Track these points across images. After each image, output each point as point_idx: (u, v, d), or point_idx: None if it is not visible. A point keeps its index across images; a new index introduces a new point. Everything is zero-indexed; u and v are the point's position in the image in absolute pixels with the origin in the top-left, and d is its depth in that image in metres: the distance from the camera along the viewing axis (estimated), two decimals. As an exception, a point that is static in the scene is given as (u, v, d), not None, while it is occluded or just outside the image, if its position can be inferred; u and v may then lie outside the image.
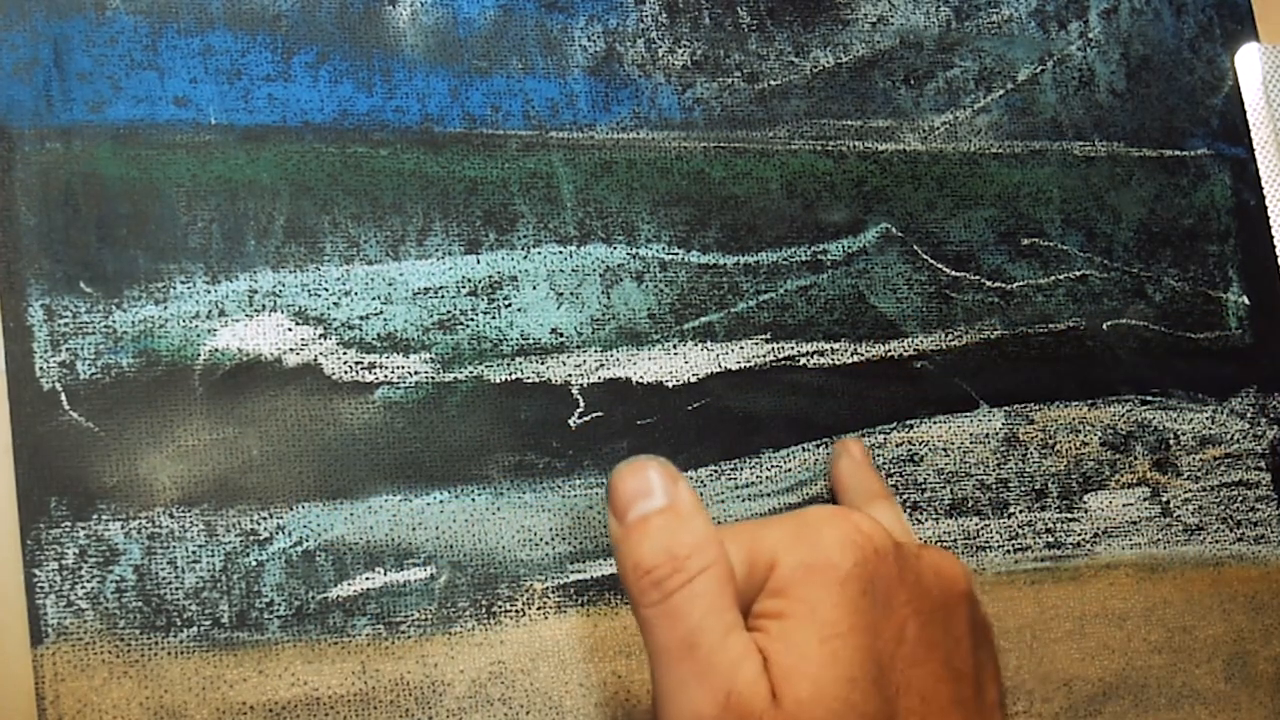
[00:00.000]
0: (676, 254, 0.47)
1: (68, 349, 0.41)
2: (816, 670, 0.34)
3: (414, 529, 0.43)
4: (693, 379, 0.46)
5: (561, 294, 0.45)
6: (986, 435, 0.49)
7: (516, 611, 0.43)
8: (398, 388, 0.43)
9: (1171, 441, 0.51)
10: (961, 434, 0.48)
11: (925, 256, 0.49)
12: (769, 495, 0.46)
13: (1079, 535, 0.49)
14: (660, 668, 0.34)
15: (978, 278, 0.50)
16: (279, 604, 0.41)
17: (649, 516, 0.35)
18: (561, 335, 0.45)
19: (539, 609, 0.43)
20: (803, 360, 0.47)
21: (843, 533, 0.36)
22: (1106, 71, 0.53)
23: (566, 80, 0.47)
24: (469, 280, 0.45)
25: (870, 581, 0.36)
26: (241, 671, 0.40)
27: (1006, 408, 0.49)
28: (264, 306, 0.43)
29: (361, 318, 0.44)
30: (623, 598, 0.44)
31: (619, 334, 0.46)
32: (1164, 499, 0.50)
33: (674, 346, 0.46)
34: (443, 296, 0.44)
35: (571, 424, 0.45)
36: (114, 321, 0.41)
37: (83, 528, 0.40)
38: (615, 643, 0.43)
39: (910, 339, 0.49)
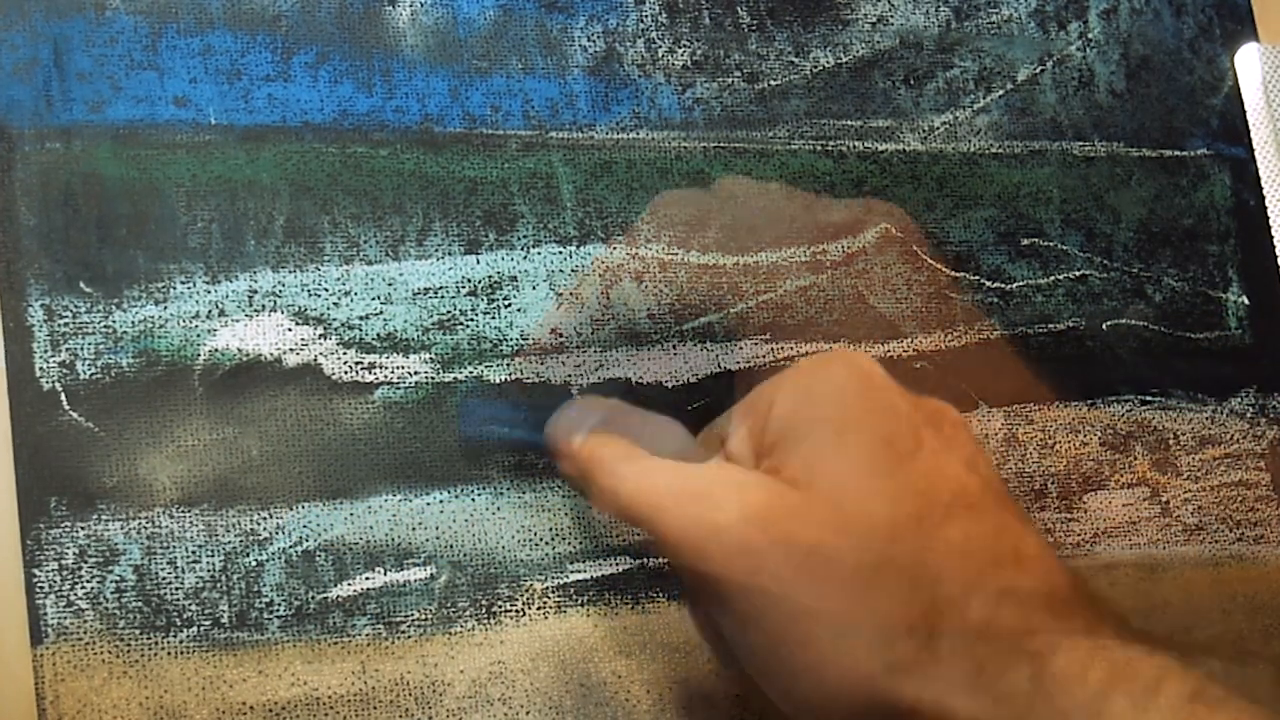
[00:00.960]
0: (676, 254, 0.47)
1: (68, 349, 0.41)
2: (834, 463, 0.35)
3: (414, 529, 0.43)
4: (692, 379, 0.46)
5: (561, 294, 0.45)
6: (986, 435, 0.49)
7: (516, 611, 0.43)
8: (398, 388, 0.43)
9: (1171, 441, 0.51)
10: (961, 434, 0.48)
11: (925, 257, 0.49)
12: (769, 495, 0.46)
13: (1078, 535, 0.49)
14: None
15: (977, 278, 0.50)
16: (279, 604, 0.41)
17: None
18: (561, 335, 0.45)
19: (539, 609, 0.43)
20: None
21: (838, 367, 0.37)
22: (1106, 72, 0.53)
23: (566, 80, 0.47)
24: (469, 280, 0.45)
25: (875, 396, 0.37)
26: (241, 671, 0.40)
27: (1006, 408, 0.49)
28: (264, 306, 0.43)
29: (361, 318, 0.44)
30: (623, 598, 0.44)
31: (618, 334, 0.46)
32: (1164, 499, 0.50)
33: (674, 346, 0.46)
34: (443, 296, 0.44)
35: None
36: (114, 321, 0.41)
37: (83, 528, 0.40)
38: (615, 643, 0.43)
39: (910, 339, 0.49)
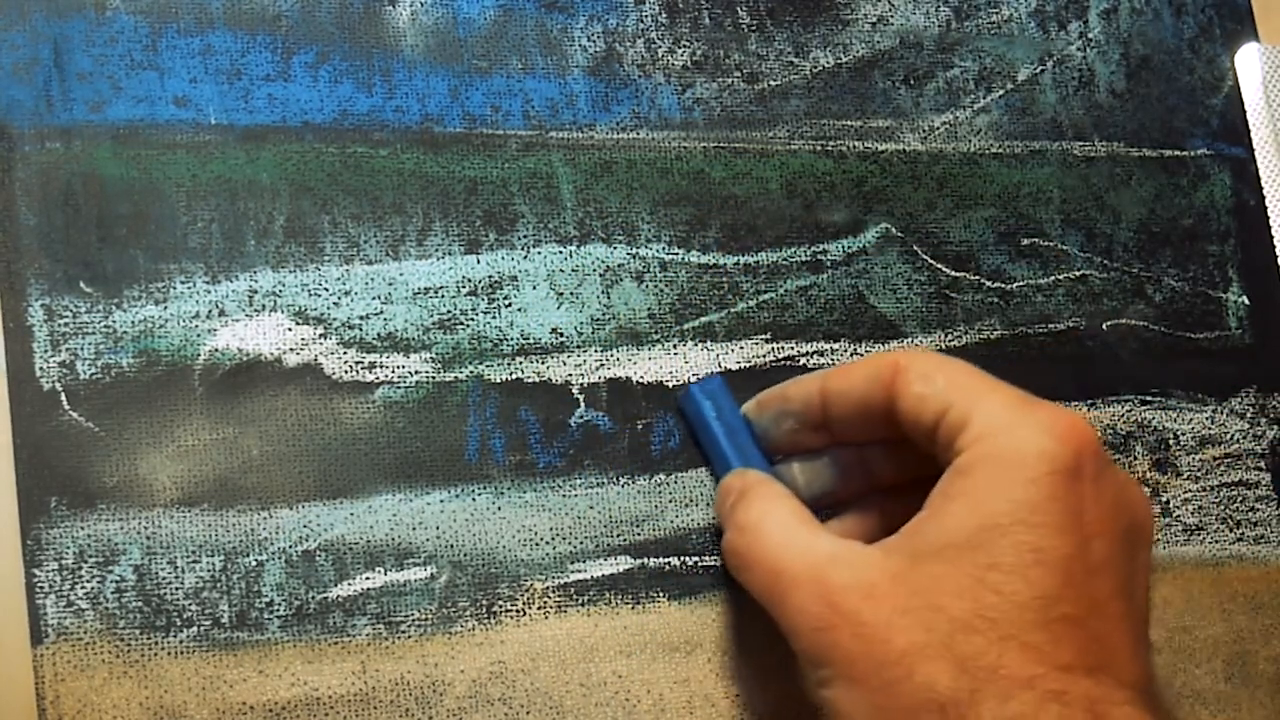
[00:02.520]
0: (676, 254, 0.47)
1: (68, 349, 0.41)
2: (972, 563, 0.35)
3: (414, 529, 0.43)
4: (693, 379, 0.46)
5: (562, 294, 0.45)
6: (986, 435, 0.49)
7: (517, 611, 0.43)
8: (398, 387, 0.43)
9: (1171, 441, 0.51)
10: (961, 434, 0.48)
11: (925, 257, 0.49)
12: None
13: (1079, 535, 0.49)
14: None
15: (977, 278, 0.50)
16: (279, 604, 0.41)
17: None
18: (562, 335, 0.45)
19: (539, 609, 0.43)
20: (803, 360, 0.47)
21: (1054, 420, 0.36)
22: (1106, 71, 0.53)
23: (566, 80, 0.47)
24: (469, 280, 0.45)
25: (1070, 480, 0.35)
26: (241, 671, 0.40)
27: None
28: (264, 306, 0.43)
29: (361, 317, 0.44)
30: (623, 597, 0.44)
31: (619, 334, 0.46)
32: (1164, 499, 0.50)
33: (674, 346, 0.46)
34: (443, 296, 0.44)
35: (572, 424, 0.45)
36: (114, 321, 0.41)
37: (83, 528, 0.40)
38: (615, 643, 0.43)
39: (910, 339, 0.49)
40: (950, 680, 0.34)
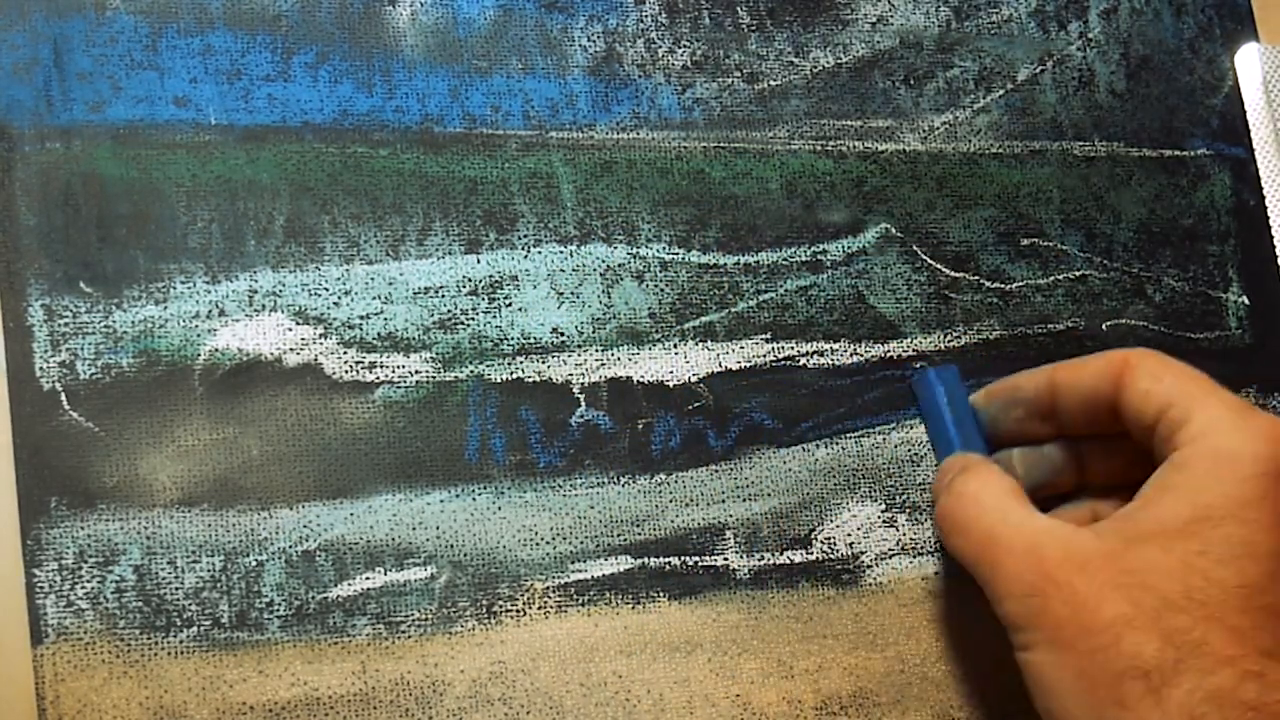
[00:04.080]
0: (677, 254, 0.47)
1: (68, 349, 0.41)
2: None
3: (414, 529, 0.43)
4: (693, 378, 0.46)
5: (562, 293, 0.45)
6: (986, 435, 0.49)
7: (517, 611, 0.43)
8: (398, 387, 0.43)
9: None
10: (961, 434, 0.48)
11: (925, 257, 0.49)
12: (769, 495, 0.46)
13: (1079, 535, 0.49)
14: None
15: (977, 278, 0.50)
16: (279, 604, 0.41)
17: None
18: (562, 335, 0.45)
19: (540, 609, 0.43)
20: (803, 360, 0.47)
21: (1271, 427, 0.39)
22: (1106, 71, 0.53)
23: (566, 80, 0.47)
24: (469, 280, 0.45)
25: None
26: (241, 671, 0.40)
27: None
28: (264, 306, 0.43)
29: (362, 317, 0.44)
30: (623, 597, 0.44)
31: (620, 333, 0.46)
32: (1164, 499, 0.50)
33: (674, 346, 0.46)
34: (443, 296, 0.44)
35: (572, 423, 0.45)
36: (114, 321, 0.41)
37: (83, 528, 0.40)
38: (615, 643, 0.43)
39: (910, 339, 0.49)
40: (1156, 650, 0.36)
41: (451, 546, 0.43)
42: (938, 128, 0.51)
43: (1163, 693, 0.36)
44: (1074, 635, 0.37)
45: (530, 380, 0.44)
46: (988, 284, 0.50)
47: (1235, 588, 0.37)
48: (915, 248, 0.49)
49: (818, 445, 0.47)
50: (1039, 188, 0.51)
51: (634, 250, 0.46)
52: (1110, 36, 0.53)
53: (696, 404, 0.46)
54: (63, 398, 0.41)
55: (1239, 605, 0.37)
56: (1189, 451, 0.39)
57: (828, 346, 0.48)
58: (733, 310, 0.47)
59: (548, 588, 0.43)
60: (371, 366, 0.43)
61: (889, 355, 0.48)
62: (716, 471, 0.46)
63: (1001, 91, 0.51)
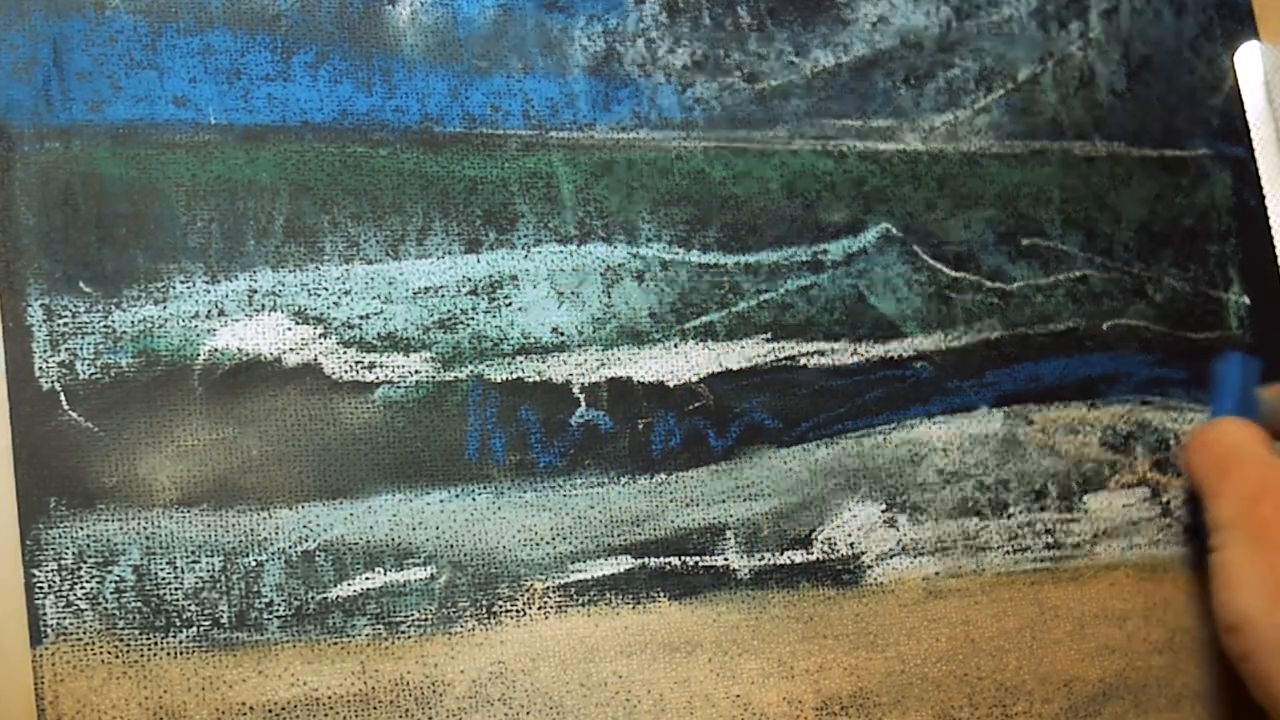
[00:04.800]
0: (677, 253, 0.47)
1: (67, 349, 0.41)
2: None
3: (414, 529, 0.43)
4: (693, 378, 0.46)
5: (562, 293, 0.45)
6: (986, 436, 0.49)
7: (517, 611, 0.43)
8: (398, 387, 0.43)
9: (1171, 441, 0.51)
10: (961, 434, 0.48)
11: (925, 257, 0.49)
12: (769, 495, 0.46)
13: (1079, 536, 0.49)
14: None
15: (977, 278, 0.50)
16: (279, 604, 0.41)
17: None
18: (562, 334, 0.45)
19: (539, 609, 0.43)
20: (803, 360, 0.47)
21: None
22: (1107, 71, 0.53)
23: (566, 80, 0.47)
24: (469, 279, 0.45)
25: None
26: (241, 671, 0.40)
27: (1006, 408, 0.49)
28: (264, 306, 0.43)
29: (361, 317, 0.43)
30: (623, 597, 0.44)
31: (620, 333, 0.46)
32: (1164, 499, 0.50)
33: (675, 346, 0.46)
34: (443, 296, 0.44)
35: (572, 423, 0.45)
36: (114, 321, 0.41)
37: (82, 528, 0.40)
38: (615, 643, 0.43)
39: (910, 339, 0.49)
40: None
41: (451, 546, 0.43)
42: (938, 128, 0.51)
43: None
44: (1272, 536, 0.42)
45: (530, 380, 0.44)
46: (988, 284, 0.50)
47: None
48: (915, 248, 0.49)
49: (818, 445, 0.47)
50: (1039, 188, 0.51)
51: (634, 250, 0.46)
52: (1111, 36, 0.53)
53: (697, 404, 0.46)
54: (62, 398, 0.41)
55: None
56: None
57: (828, 346, 0.48)
58: (733, 310, 0.47)
59: (548, 588, 0.43)
60: (371, 366, 0.43)
61: (889, 355, 0.48)
62: (717, 471, 0.46)
63: (1002, 91, 0.51)
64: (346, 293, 0.43)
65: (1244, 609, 0.42)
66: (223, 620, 0.40)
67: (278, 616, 0.41)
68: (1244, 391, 0.49)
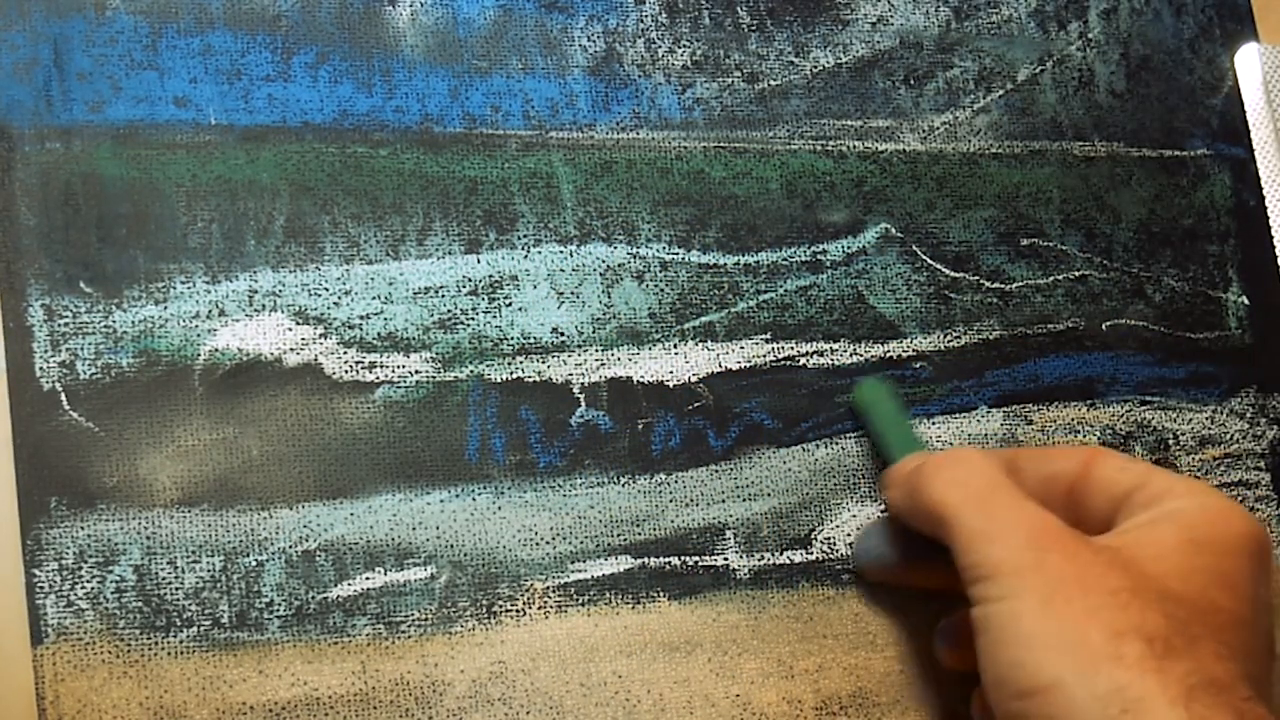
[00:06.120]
0: (677, 254, 0.47)
1: (68, 349, 0.41)
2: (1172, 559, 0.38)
3: (414, 529, 0.43)
4: (693, 378, 0.46)
5: (562, 293, 0.45)
6: (986, 435, 0.49)
7: (517, 611, 0.43)
8: (398, 387, 0.43)
9: (1171, 441, 0.51)
10: (961, 434, 0.48)
11: (925, 257, 0.49)
12: (769, 495, 0.46)
13: (1079, 535, 0.49)
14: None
15: (977, 278, 0.50)
16: (279, 604, 0.41)
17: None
18: (562, 334, 0.45)
19: (540, 609, 0.43)
20: (803, 360, 0.47)
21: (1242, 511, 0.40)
22: (1106, 71, 0.53)
23: (566, 80, 0.47)
24: (469, 280, 0.45)
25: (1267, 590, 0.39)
26: (241, 671, 0.40)
27: (1005, 408, 0.49)
28: (264, 306, 0.43)
29: (362, 317, 0.44)
30: (623, 597, 0.44)
31: (620, 333, 0.46)
32: (1164, 499, 0.50)
33: (674, 346, 0.46)
34: (443, 296, 0.44)
35: (572, 423, 0.45)
36: (114, 321, 0.41)
37: (82, 528, 0.40)
38: (615, 643, 0.43)
39: (909, 339, 0.49)
40: (1161, 624, 0.36)
41: (451, 546, 0.43)
42: (938, 128, 0.51)
43: (1165, 662, 0.35)
44: (1073, 591, 0.36)
45: (530, 380, 0.45)
46: (988, 284, 0.50)
47: (1228, 609, 0.37)
48: (915, 248, 0.49)
49: (818, 445, 0.47)
50: (1039, 188, 0.51)
51: (634, 250, 0.46)
52: (1110, 36, 0.53)
53: (696, 404, 0.46)
54: (62, 398, 0.41)
55: (1231, 624, 0.37)
56: (1177, 504, 0.40)
57: (828, 346, 0.48)
58: (733, 310, 0.47)
59: (548, 588, 0.43)
60: (371, 366, 0.43)
61: (889, 355, 0.48)
62: (716, 471, 0.46)
63: (1001, 91, 0.51)
64: (347, 293, 0.44)
65: (1053, 674, 0.36)
66: (223, 620, 0.40)
67: (278, 616, 0.41)
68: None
